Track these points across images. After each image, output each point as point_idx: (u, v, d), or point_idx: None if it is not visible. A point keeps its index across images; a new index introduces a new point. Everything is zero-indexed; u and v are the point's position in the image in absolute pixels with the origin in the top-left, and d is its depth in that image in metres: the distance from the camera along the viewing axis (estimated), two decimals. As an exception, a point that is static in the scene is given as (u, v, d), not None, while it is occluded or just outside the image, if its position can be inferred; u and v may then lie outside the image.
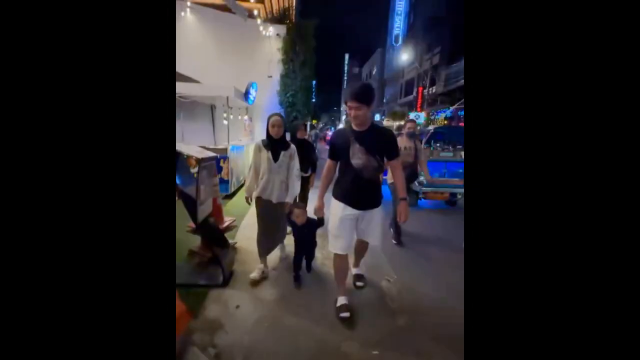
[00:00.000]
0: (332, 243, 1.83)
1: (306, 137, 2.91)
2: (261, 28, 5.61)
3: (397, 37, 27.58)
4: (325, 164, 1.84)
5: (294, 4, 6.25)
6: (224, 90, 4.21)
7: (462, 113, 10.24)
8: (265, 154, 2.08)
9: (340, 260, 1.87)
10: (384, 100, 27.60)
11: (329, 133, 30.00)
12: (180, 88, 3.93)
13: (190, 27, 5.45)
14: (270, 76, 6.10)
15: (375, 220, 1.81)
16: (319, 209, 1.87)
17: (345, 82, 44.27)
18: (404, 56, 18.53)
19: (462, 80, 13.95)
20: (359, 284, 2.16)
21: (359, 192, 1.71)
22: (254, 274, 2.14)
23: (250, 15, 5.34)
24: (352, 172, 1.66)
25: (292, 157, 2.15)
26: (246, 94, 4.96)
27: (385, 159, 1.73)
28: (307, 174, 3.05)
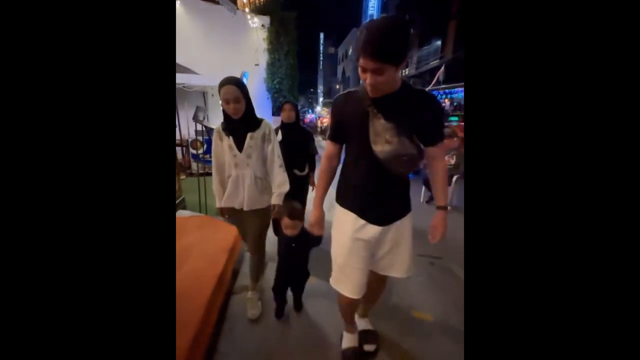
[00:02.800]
0: (337, 277, 1.19)
1: (292, 119, 2.21)
2: (249, 20, 6.09)
3: (371, 17, 27.82)
4: (325, 149, 1.19)
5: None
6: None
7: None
8: (227, 142, 1.43)
9: (347, 301, 1.22)
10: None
11: (308, 116, 29.89)
12: (185, 79, 4.46)
13: (181, 19, 5.79)
14: (257, 64, 6.62)
15: (405, 238, 1.15)
16: (317, 222, 1.20)
17: (321, 63, 43.94)
18: (378, 38, 18.94)
19: (432, 63, 14.87)
20: (367, 347, 1.40)
21: (382, 197, 1.09)
22: (253, 312, 1.61)
23: (238, 7, 5.77)
24: (372, 166, 1.03)
25: (267, 140, 1.48)
26: (239, 83, 5.56)
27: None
28: (304, 173, 2.30)
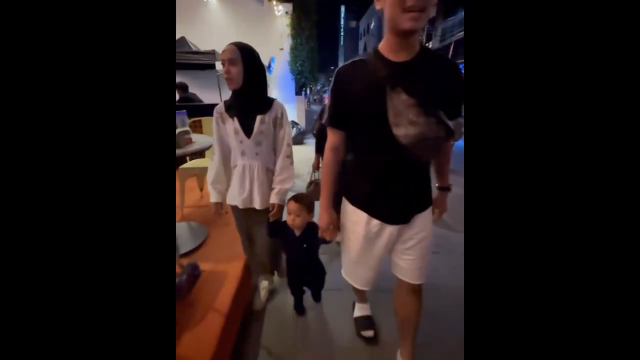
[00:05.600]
0: (349, 270, 1.12)
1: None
2: (275, 8, 6.77)
3: (394, -14, 26.47)
4: (327, 138, 0.99)
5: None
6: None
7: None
8: (231, 125, 1.21)
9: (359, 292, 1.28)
10: (365, 49, 27.61)
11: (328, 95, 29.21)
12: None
13: (217, 11, 6.60)
14: (282, 49, 7.31)
15: (422, 237, 0.99)
16: (328, 227, 1.05)
17: (341, 39, 42.80)
18: (401, 11, 18.45)
19: (458, 35, 14.40)
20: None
21: (400, 190, 0.92)
22: (259, 303, 1.54)
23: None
24: (389, 154, 0.86)
25: (278, 124, 1.24)
26: (268, 67, 6.35)
27: None
28: None
